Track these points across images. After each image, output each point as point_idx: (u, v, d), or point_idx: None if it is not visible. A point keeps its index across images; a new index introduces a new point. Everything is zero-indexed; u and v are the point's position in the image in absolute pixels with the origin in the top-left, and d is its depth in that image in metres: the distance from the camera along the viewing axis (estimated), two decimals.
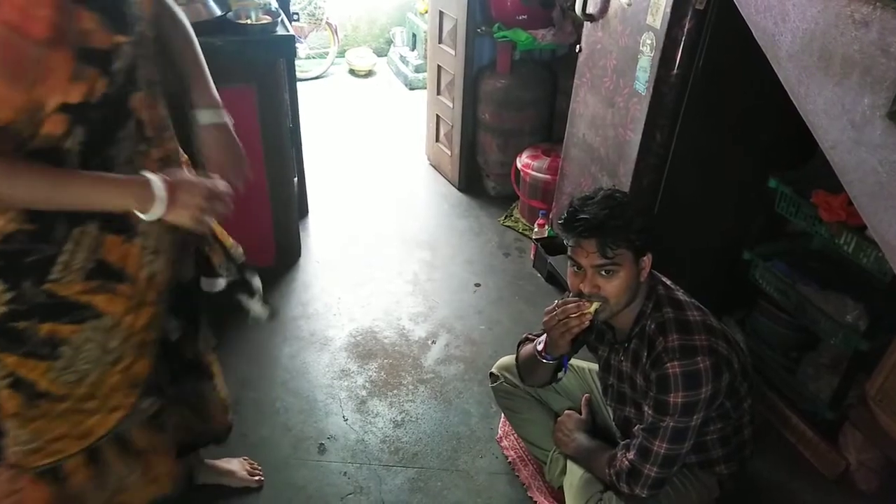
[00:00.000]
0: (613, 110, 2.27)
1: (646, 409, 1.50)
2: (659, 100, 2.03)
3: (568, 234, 1.46)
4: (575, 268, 1.48)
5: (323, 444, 2.07)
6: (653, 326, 1.50)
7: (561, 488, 1.79)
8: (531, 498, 1.90)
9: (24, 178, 1.01)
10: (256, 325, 2.54)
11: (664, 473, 1.49)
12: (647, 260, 1.48)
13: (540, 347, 1.65)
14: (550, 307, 1.54)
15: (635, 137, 2.14)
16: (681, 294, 1.56)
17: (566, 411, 1.85)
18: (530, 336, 1.82)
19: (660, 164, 2.11)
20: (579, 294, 1.47)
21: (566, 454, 1.78)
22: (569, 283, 1.52)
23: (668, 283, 1.59)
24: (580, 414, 1.83)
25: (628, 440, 1.56)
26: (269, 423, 2.14)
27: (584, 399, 1.87)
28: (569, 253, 1.48)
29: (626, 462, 1.51)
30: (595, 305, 1.45)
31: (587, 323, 1.46)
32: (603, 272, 1.43)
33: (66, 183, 1.06)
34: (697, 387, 1.41)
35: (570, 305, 1.48)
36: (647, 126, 2.09)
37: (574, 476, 1.71)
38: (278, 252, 2.87)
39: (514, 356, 1.88)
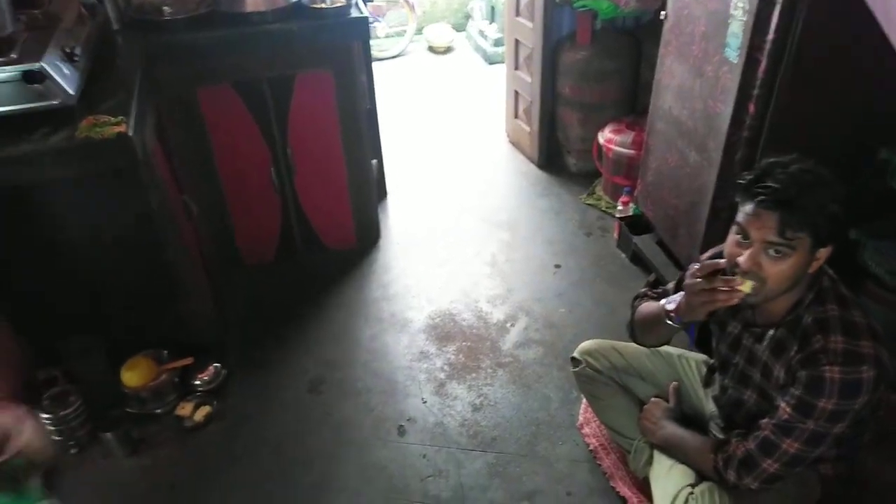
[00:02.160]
0: (702, 80, 2.13)
1: (780, 403, 1.37)
2: (752, 68, 1.88)
3: (746, 199, 1.30)
4: (740, 236, 1.32)
5: (403, 425, 2.10)
6: (810, 320, 1.35)
7: (646, 479, 1.73)
8: (613, 488, 1.86)
9: None
10: (340, 306, 2.61)
11: (784, 472, 1.39)
12: (824, 252, 1.32)
13: (670, 307, 1.50)
14: (696, 268, 1.39)
15: (726, 109, 2.00)
16: (845, 290, 1.41)
17: (653, 399, 1.77)
18: (650, 293, 1.70)
19: (753, 138, 1.96)
20: (734, 266, 1.33)
21: (653, 443, 1.71)
22: (725, 251, 1.37)
23: (834, 275, 1.43)
24: (667, 402, 1.75)
25: (742, 430, 1.46)
26: (352, 403, 2.19)
27: (671, 387, 1.79)
28: (738, 219, 1.32)
29: (743, 450, 1.41)
30: (749, 286, 1.30)
31: (734, 302, 1.32)
32: (772, 251, 1.28)
33: None
34: (854, 397, 1.28)
35: (720, 280, 1.33)
36: (738, 97, 1.94)
37: (662, 467, 1.65)
38: (358, 235, 2.91)
39: (599, 341, 1.82)
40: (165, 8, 2.28)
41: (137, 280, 2.05)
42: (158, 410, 2.12)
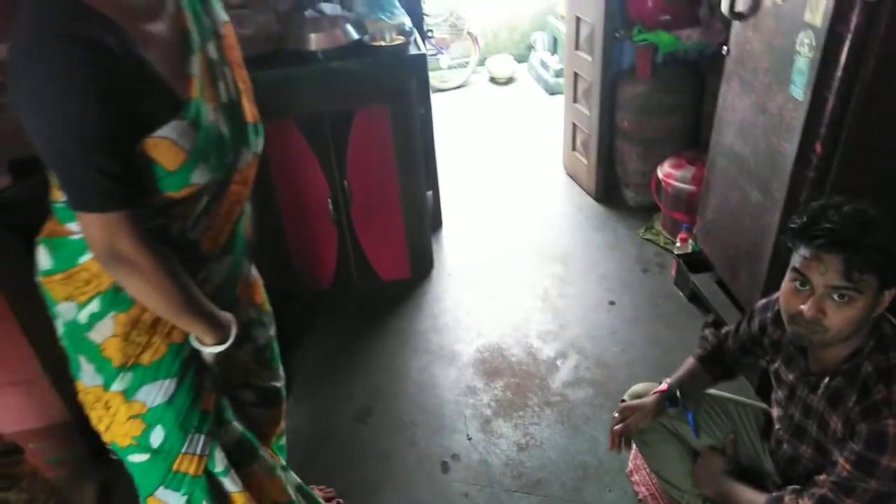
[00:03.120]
0: (765, 117, 2.06)
1: (839, 459, 1.28)
2: (819, 106, 1.80)
3: (803, 243, 1.25)
4: (798, 283, 1.26)
5: (446, 461, 2.08)
6: (870, 369, 1.27)
7: None
8: None
9: (157, 289, 1.07)
10: (390, 336, 2.63)
11: None
12: (889, 294, 1.25)
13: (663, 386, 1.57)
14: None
15: (790, 148, 1.92)
16: None
17: (708, 449, 1.69)
18: (711, 335, 1.75)
19: (820, 179, 1.87)
20: (796, 316, 1.27)
21: (707, 496, 1.63)
22: (781, 301, 1.32)
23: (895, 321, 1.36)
24: (723, 453, 1.67)
25: (799, 486, 1.37)
26: (397, 436, 2.19)
27: (728, 439, 1.70)
28: (795, 264, 1.27)
29: None
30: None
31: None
32: (837, 296, 1.22)
33: (183, 309, 1.11)
34: None
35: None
36: (804, 135, 1.86)
37: None
38: (412, 265, 2.93)
39: (651, 384, 1.76)
40: None
41: None
42: None
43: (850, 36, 1.67)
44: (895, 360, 1.26)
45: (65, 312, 1.18)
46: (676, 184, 2.90)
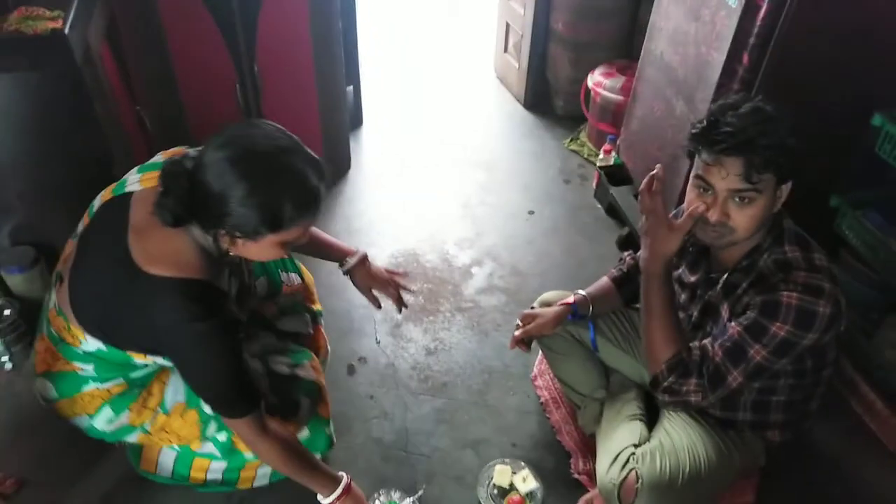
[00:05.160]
0: (698, 24, 1.98)
1: (731, 325, 1.30)
2: (752, 14, 1.74)
3: (704, 148, 1.24)
4: (701, 188, 1.27)
5: (353, 364, 2.04)
6: (770, 261, 1.30)
7: (592, 436, 1.69)
8: (559, 441, 1.82)
9: (290, 460, 1.37)
10: None
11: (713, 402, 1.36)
12: (786, 188, 1.27)
13: (569, 300, 1.56)
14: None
15: (719, 57, 1.87)
16: (805, 234, 1.35)
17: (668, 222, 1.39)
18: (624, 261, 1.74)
19: (744, 92, 1.84)
20: (701, 220, 1.27)
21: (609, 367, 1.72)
22: (686, 203, 1.32)
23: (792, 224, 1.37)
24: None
25: (699, 346, 1.34)
26: None
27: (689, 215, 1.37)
28: (697, 170, 1.27)
29: (700, 396, 1.32)
30: None
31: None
32: (738, 199, 1.23)
33: (308, 469, 1.40)
34: (806, 328, 1.22)
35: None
36: (733, 45, 1.81)
37: (609, 425, 1.61)
38: (327, 162, 2.77)
39: (561, 292, 1.75)
40: None
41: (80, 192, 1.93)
42: None
43: None
44: (793, 253, 1.29)
45: (79, 422, 1.41)
46: (605, 93, 2.83)
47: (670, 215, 1.40)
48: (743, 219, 1.25)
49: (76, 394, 1.36)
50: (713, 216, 1.25)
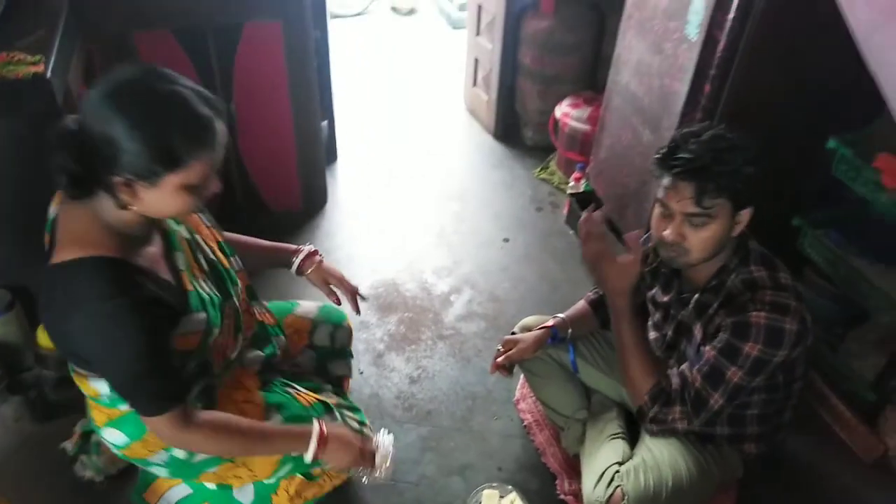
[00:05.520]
0: (661, 57, 2.09)
1: (706, 349, 1.36)
2: (711, 47, 1.84)
3: (663, 172, 1.31)
4: (662, 211, 1.34)
5: None
6: (737, 281, 1.36)
7: (576, 456, 1.73)
8: (544, 463, 1.85)
9: (229, 442, 1.24)
10: (280, 271, 2.52)
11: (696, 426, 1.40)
12: (745, 214, 1.32)
13: (550, 323, 1.59)
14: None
15: (682, 88, 1.97)
16: (770, 255, 1.42)
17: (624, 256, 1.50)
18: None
19: (706, 120, 1.93)
20: (662, 240, 1.34)
21: (584, 421, 1.70)
22: (652, 228, 1.38)
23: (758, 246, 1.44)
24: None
25: (676, 385, 1.39)
26: None
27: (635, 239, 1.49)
28: (658, 194, 1.33)
29: (685, 422, 1.37)
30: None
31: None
32: (692, 222, 1.29)
33: (261, 441, 1.28)
34: (776, 346, 1.28)
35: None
36: (695, 76, 1.91)
37: (592, 445, 1.64)
38: (304, 197, 2.81)
39: (540, 317, 1.79)
40: None
41: None
42: None
43: None
44: (759, 273, 1.35)
45: (156, 459, 1.33)
46: (573, 123, 2.93)
47: (640, 240, 1.47)
48: (697, 241, 1.31)
49: (146, 433, 1.28)
50: (669, 236, 1.32)
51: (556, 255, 2.68)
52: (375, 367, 2.14)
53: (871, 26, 1.10)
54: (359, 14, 5.23)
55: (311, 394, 1.50)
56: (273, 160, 2.64)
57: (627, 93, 2.32)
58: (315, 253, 1.61)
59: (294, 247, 1.60)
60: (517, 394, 2.04)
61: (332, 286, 1.61)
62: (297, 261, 1.58)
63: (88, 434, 1.74)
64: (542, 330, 1.72)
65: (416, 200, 3.00)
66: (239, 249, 1.47)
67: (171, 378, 1.15)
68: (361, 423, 1.54)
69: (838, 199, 2.06)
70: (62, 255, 1.06)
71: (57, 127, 1.04)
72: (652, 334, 1.63)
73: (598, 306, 1.76)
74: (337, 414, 1.49)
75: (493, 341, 2.25)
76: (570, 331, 1.73)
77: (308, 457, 1.30)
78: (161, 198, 1.05)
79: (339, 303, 1.64)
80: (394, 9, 5.38)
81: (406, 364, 2.16)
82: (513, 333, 1.82)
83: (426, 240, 2.74)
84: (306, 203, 2.83)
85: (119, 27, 2.16)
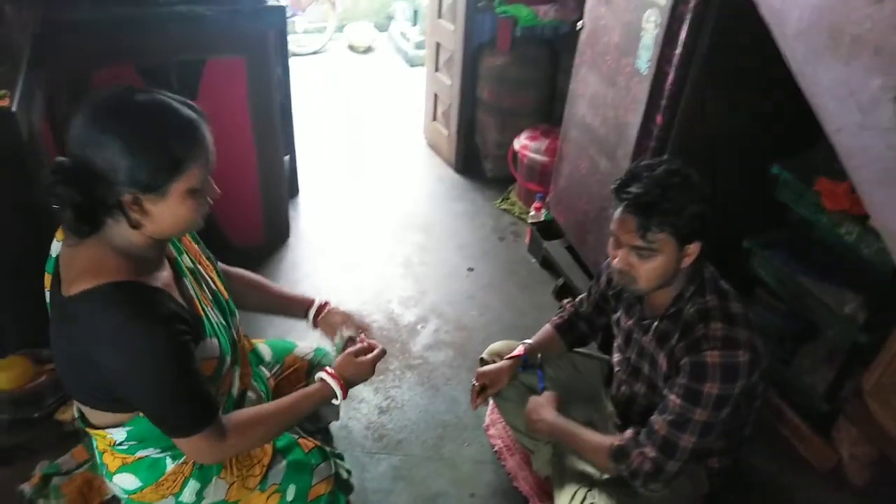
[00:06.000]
0: (614, 90, 2.19)
1: (670, 396, 1.40)
2: (661, 80, 1.95)
3: (615, 202, 1.37)
4: (614, 239, 1.39)
5: None
6: (692, 311, 1.41)
7: (548, 478, 1.74)
8: (516, 488, 1.86)
9: (264, 430, 1.26)
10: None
11: (682, 467, 1.43)
12: (693, 248, 1.37)
13: (519, 351, 1.67)
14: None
15: (635, 119, 2.07)
16: (725, 284, 1.47)
17: (532, 396, 1.71)
18: (565, 309, 1.84)
19: (660, 148, 2.03)
20: (613, 268, 1.41)
21: (544, 440, 1.72)
22: (608, 250, 1.44)
23: (714, 271, 1.49)
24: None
25: (640, 430, 1.45)
26: None
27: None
28: (611, 224, 1.38)
29: (650, 463, 1.41)
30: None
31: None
32: (636, 253, 1.35)
33: (290, 413, 1.30)
34: (733, 380, 1.33)
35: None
36: (647, 108, 2.01)
37: (563, 467, 1.66)
38: (267, 231, 2.81)
39: (508, 342, 1.83)
40: None
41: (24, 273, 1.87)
42: (36, 415, 1.94)
43: (689, 15, 1.81)
44: (712, 302, 1.41)
45: None
46: (531, 155, 3.02)
47: (603, 264, 1.54)
48: (643, 271, 1.36)
49: (160, 478, 1.27)
50: (617, 265, 1.38)
51: (519, 282, 2.74)
52: (344, 400, 2.13)
53: (804, 60, 1.20)
54: (316, 52, 5.32)
55: (310, 439, 1.49)
56: (236, 195, 2.63)
57: (583, 124, 2.42)
58: (326, 304, 1.63)
59: (309, 299, 1.63)
60: (487, 420, 2.06)
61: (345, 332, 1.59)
62: (311, 313, 1.61)
63: (49, 477, 1.68)
64: (513, 359, 1.75)
65: (380, 233, 3.03)
66: (249, 289, 1.54)
67: (203, 394, 1.15)
68: (349, 473, 1.54)
69: (784, 221, 2.18)
70: (77, 286, 1.05)
71: (51, 166, 1.03)
72: (616, 356, 1.68)
73: (565, 330, 1.80)
74: (332, 462, 1.47)
75: (462, 369, 2.27)
76: (539, 356, 1.76)
77: (340, 394, 1.36)
78: (170, 208, 1.07)
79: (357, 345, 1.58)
80: (351, 47, 5.48)
81: (375, 395, 2.16)
82: (482, 360, 1.85)
83: (392, 271, 2.77)
84: (269, 237, 2.82)
85: (83, 64, 2.15)
